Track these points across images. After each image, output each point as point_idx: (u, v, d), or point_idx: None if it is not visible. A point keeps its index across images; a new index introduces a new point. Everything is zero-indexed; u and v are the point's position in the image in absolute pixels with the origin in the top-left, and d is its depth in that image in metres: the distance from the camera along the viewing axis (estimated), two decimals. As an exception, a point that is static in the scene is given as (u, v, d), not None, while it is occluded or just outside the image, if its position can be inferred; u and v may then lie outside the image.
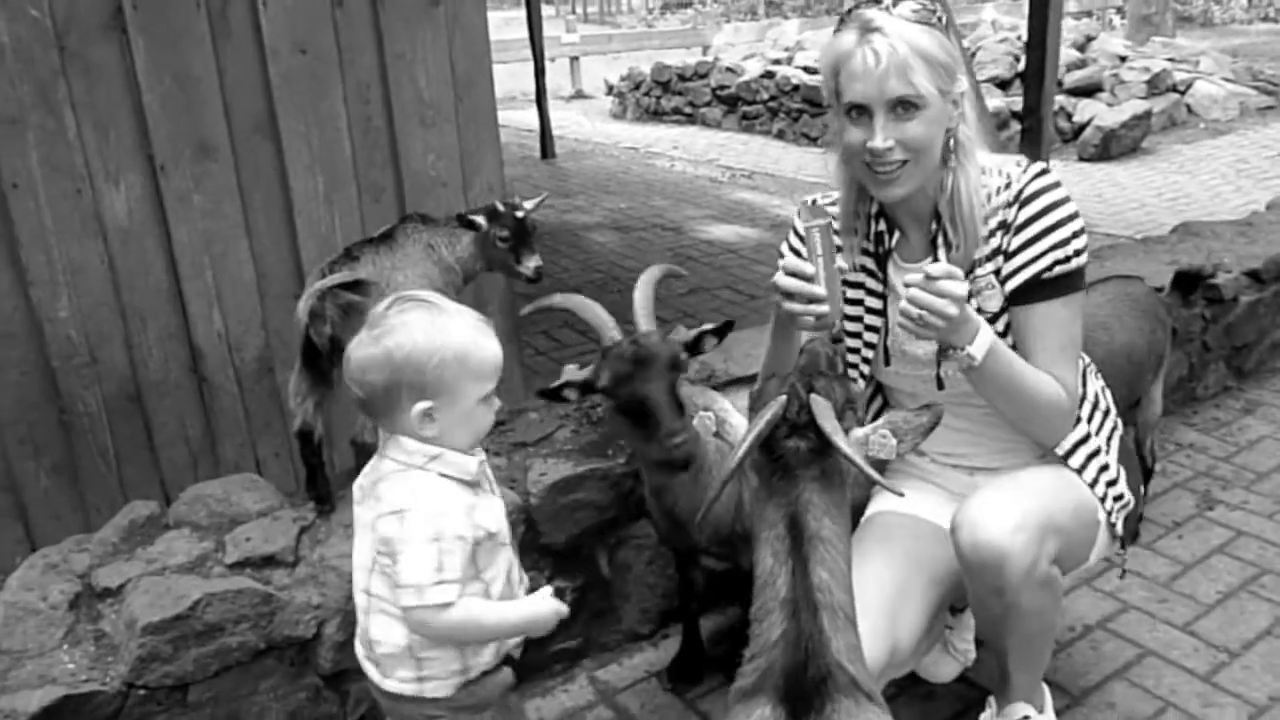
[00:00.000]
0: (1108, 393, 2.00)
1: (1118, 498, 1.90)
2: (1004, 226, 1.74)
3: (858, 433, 1.37)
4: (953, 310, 1.53)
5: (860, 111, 1.63)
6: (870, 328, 1.88)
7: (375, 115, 3.01)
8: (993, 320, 1.73)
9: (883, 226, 1.81)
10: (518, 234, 2.48)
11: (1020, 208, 1.72)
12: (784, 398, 1.36)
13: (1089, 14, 15.78)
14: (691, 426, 1.56)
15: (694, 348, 2.00)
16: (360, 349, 1.43)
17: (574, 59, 13.79)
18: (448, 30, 3.06)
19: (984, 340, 1.60)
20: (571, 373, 1.94)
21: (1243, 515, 2.92)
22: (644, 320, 1.98)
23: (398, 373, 1.40)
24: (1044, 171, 1.75)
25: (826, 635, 1.28)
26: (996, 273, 1.75)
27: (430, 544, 1.40)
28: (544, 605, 1.52)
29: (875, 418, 1.44)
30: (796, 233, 1.94)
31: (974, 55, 9.39)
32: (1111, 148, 8.22)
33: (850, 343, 1.90)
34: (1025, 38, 5.09)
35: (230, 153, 2.82)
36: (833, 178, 1.82)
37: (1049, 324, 1.72)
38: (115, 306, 2.76)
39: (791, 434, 1.35)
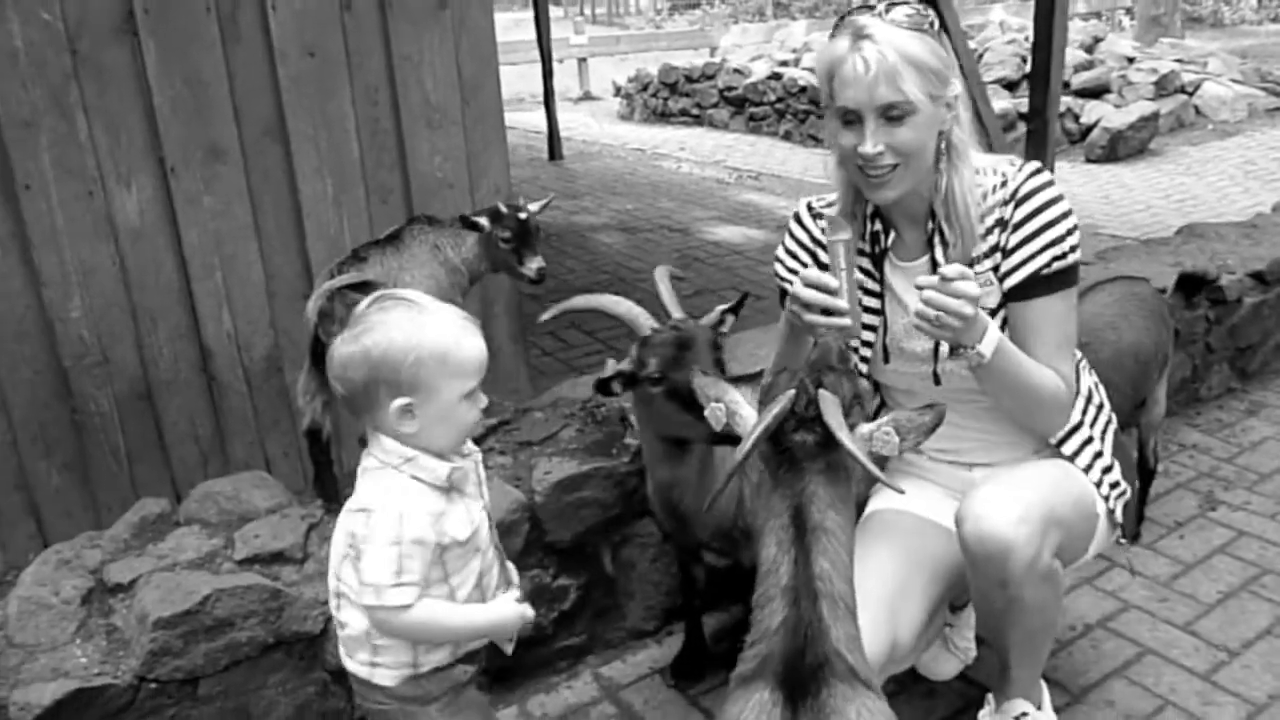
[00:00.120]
0: (1101, 388, 2.02)
1: (1114, 484, 1.92)
2: (1001, 224, 1.77)
3: (863, 429, 1.40)
4: (969, 310, 1.56)
5: (852, 116, 1.66)
6: (868, 326, 1.90)
7: (383, 118, 3.05)
8: (990, 316, 1.76)
9: (878, 226, 1.84)
10: (520, 235, 2.51)
11: (1016, 206, 1.76)
12: (793, 392, 1.38)
13: (1097, 15, 15.75)
14: None
15: (717, 329, 2.02)
16: (341, 346, 1.44)
17: (582, 60, 13.82)
18: (454, 33, 3.09)
19: (992, 337, 1.64)
20: (614, 366, 1.96)
21: (1245, 516, 2.92)
22: (675, 309, 2.01)
23: (375, 370, 1.41)
24: (1038, 170, 1.78)
25: (825, 623, 1.30)
26: (995, 269, 1.78)
27: (391, 547, 1.42)
28: (508, 610, 1.53)
29: (874, 417, 1.46)
30: (793, 235, 1.97)
31: (981, 56, 9.40)
32: (1119, 149, 8.21)
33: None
34: (1031, 39, 5.10)
35: (240, 155, 2.86)
36: (831, 178, 1.85)
37: (1048, 319, 1.76)
38: (126, 307, 2.80)
39: (799, 427, 1.37)
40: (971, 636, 2.29)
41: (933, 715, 2.22)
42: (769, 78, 10.23)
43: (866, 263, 1.88)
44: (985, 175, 1.78)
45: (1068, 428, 1.88)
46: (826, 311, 1.60)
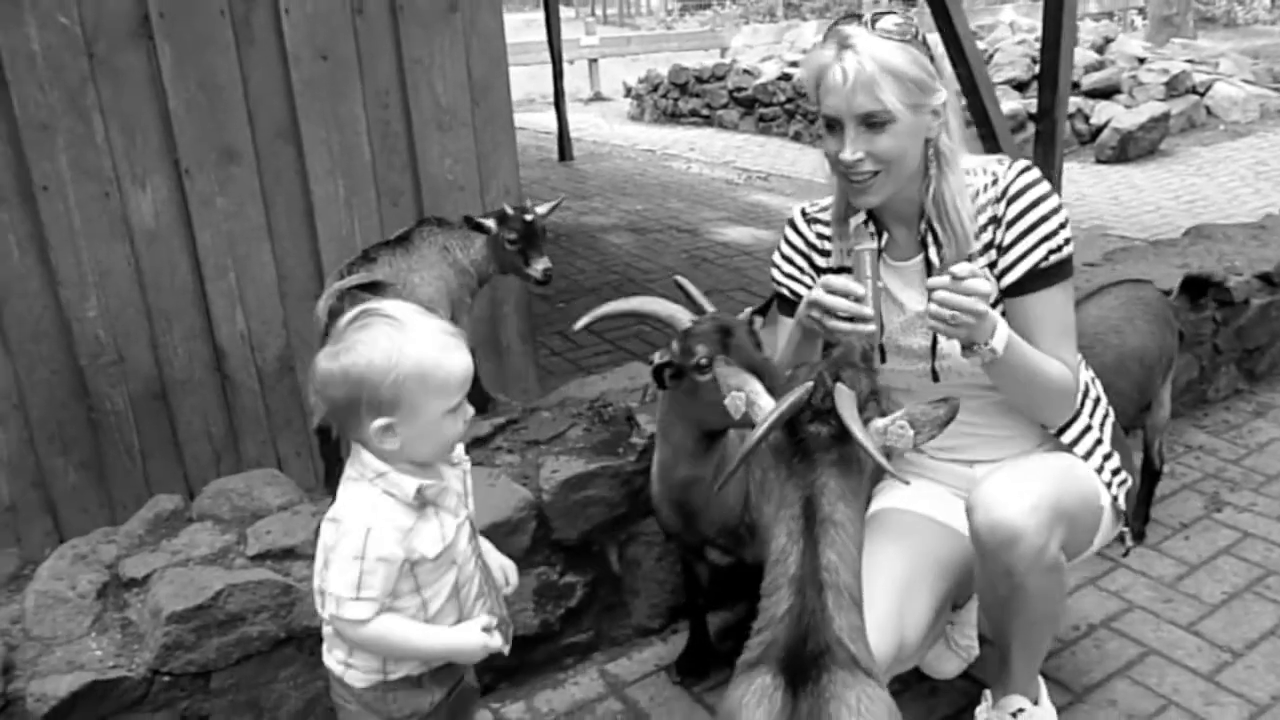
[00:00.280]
0: (1097, 382, 2.05)
1: (1115, 471, 1.95)
2: (995, 221, 1.81)
3: (877, 423, 1.42)
4: (982, 307, 1.60)
5: (834, 124, 1.71)
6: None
7: (394, 120, 3.08)
8: None
9: (871, 228, 1.86)
10: (526, 237, 2.53)
11: (1009, 203, 1.79)
12: (810, 384, 1.42)
13: (1109, 15, 15.68)
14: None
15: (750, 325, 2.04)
16: (322, 363, 1.43)
17: (592, 61, 13.85)
18: (465, 36, 3.12)
19: (1003, 333, 1.67)
20: (659, 357, 1.97)
21: (1250, 517, 2.93)
22: (707, 305, 2.03)
23: (356, 389, 1.40)
24: (1028, 168, 1.82)
25: (829, 613, 1.33)
26: (991, 266, 1.81)
27: (354, 561, 1.42)
28: (470, 638, 1.51)
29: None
30: (788, 241, 2.01)
31: (991, 57, 9.38)
32: (1129, 150, 8.18)
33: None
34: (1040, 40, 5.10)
35: (253, 157, 2.90)
36: (828, 182, 1.88)
37: (1048, 311, 1.80)
38: (141, 307, 2.85)
39: (814, 419, 1.40)
40: (973, 635, 2.31)
41: (935, 714, 2.23)
42: (779, 78, 10.23)
43: None
44: (975, 175, 1.82)
45: (1068, 421, 1.90)
46: (850, 318, 1.63)
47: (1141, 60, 9.54)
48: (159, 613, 1.90)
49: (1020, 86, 9.06)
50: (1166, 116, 8.48)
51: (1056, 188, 4.64)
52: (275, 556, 2.08)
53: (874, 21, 1.67)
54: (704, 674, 2.37)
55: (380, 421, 1.42)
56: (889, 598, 1.73)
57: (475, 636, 1.51)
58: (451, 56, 3.11)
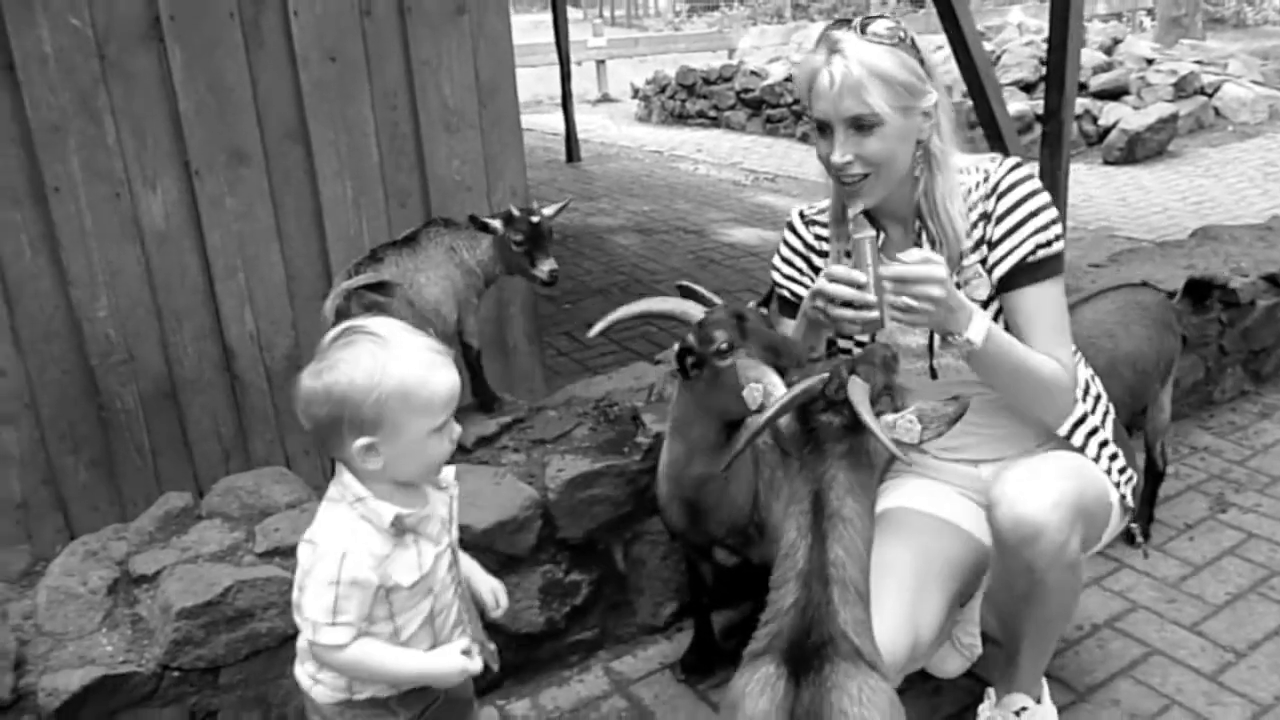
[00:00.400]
0: (1097, 380, 2.05)
1: (1121, 469, 1.96)
2: (985, 217, 1.82)
3: (887, 417, 1.44)
4: (936, 291, 1.59)
5: (824, 127, 1.74)
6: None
7: (402, 121, 3.10)
8: (983, 308, 1.79)
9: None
10: (532, 238, 2.54)
11: (999, 199, 1.81)
12: (826, 374, 1.44)
13: (1118, 16, 15.64)
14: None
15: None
16: (305, 380, 1.41)
17: (600, 62, 13.89)
18: (472, 38, 3.14)
19: (980, 324, 1.66)
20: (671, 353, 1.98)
21: (1255, 518, 2.92)
22: (716, 300, 2.04)
23: (338, 408, 1.38)
24: (1019, 165, 1.84)
25: (834, 606, 1.35)
26: (982, 262, 1.83)
27: (329, 586, 1.41)
28: (449, 661, 1.49)
29: None
30: (787, 242, 2.03)
31: (999, 59, 9.37)
32: (1137, 151, 8.16)
33: (841, 343, 1.97)
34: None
35: (262, 158, 2.92)
36: (823, 179, 1.90)
37: (1039, 306, 1.80)
38: (151, 307, 2.87)
39: (827, 409, 1.43)
40: (976, 633, 2.31)
41: (938, 713, 2.24)
42: (786, 80, 10.24)
43: None
44: (967, 174, 1.84)
45: (1073, 419, 1.90)
46: (852, 306, 1.64)
47: (1150, 61, 9.53)
48: (169, 609, 1.92)
49: (1028, 88, 9.05)
50: (1174, 118, 8.47)
51: (1063, 189, 4.65)
52: (283, 553, 2.10)
53: (863, 26, 1.70)
54: (708, 672, 2.38)
55: (362, 441, 1.40)
56: (902, 597, 1.74)
57: (454, 660, 1.50)
58: (459, 58, 3.13)
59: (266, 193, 2.95)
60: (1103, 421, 1.98)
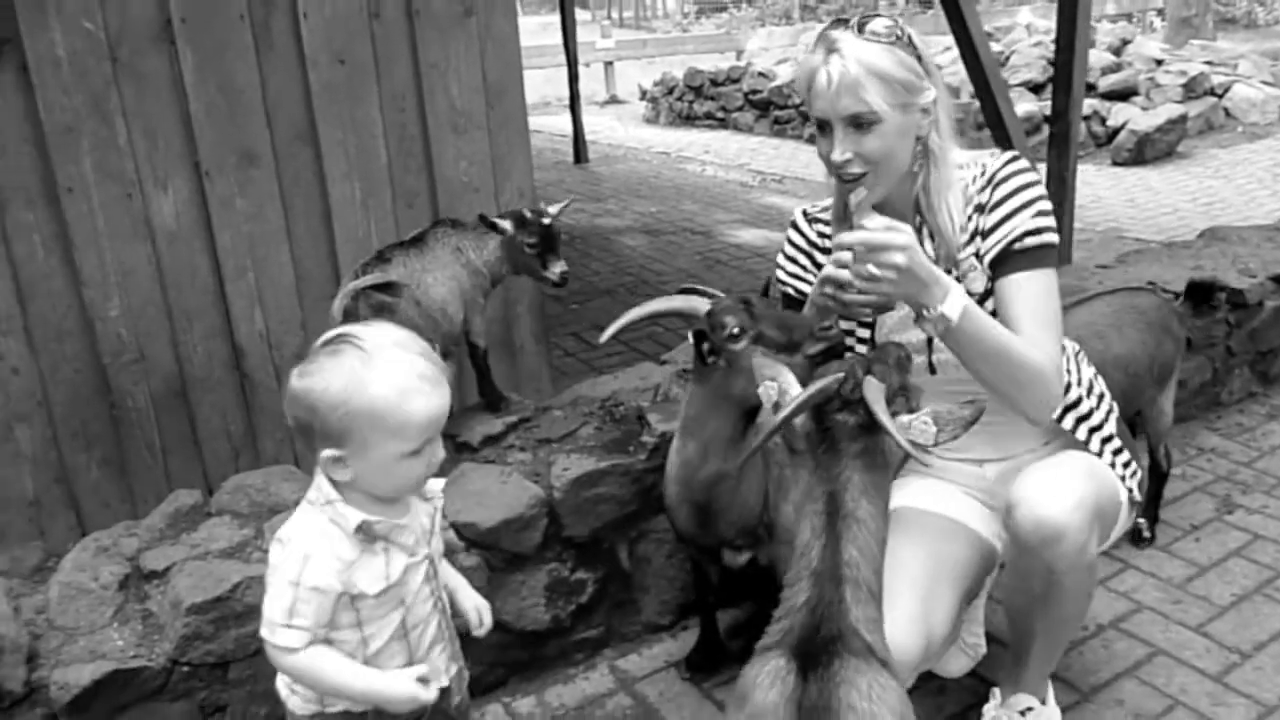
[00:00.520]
0: (1100, 379, 2.05)
1: (1125, 463, 1.96)
2: (979, 209, 1.83)
3: (902, 418, 1.45)
4: (899, 259, 1.55)
5: (824, 126, 1.75)
6: (864, 323, 1.96)
7: (410, 123, 3.12)
8: (981, 302, 1.77)
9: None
10: (545, 240, 2.56)
11: (993, 189, 1.81)
12: (841, 374, 1.45)
13: (1128, 17, 15.58)
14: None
15: None
16: (292, 379, 1.40)
17: (608, 64, 13.91)
18: (480, 40, 3.16)
19: (956, 301, 1.62)
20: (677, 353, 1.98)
21: (1261, 519, 2.92)
22: (720, 294, 2.05)
23: (310, 415, 1.37)
24: (1016, 158, 1.84)
25: (846, 604, 1.36)
26: (977, 254, 1.83)
27: (289, 586, 1.39)
28: (400, 687, 1.43)
29: None
30: (791, 241, 2.04)
31: (1007, 59, 9.35)
32: (1146, 152, 8.14)
33: (846, 339, 1.98)
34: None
35: (272, 160, 2.94)
36: (826, 181, 1.91)
37: (1025, 293, 1.76)
38: (162, 306, 2.90)
39: (843, 408, 1.44)
40: (981, 633, 2.32)
41: (943, 712, 2.25)
42: (794, 81, 10.24)
43: None
44: (967, 169, 1.85)
45: (1077, 415, 1.90)
46: (863, 292, 1.64)
47: (1159, 62, 9.49)
48: (179, 604, 1.95)
49: (1036, 89, 9.03)
50: (1184, 118, 8.43)
51: (1071, 190, 4.64)
52: (292, 550, 2.12)
53: (861, 26, 1.71)
54: (713, 670, 2.39)
55: (330, 452, 1.39)
56: (913, 597, 1.74)
57: (406, 686, 1.44)
58: (467, 60, 3.15)
59: (276, 194, 2.97)
60: (1106, 417, 1.98)
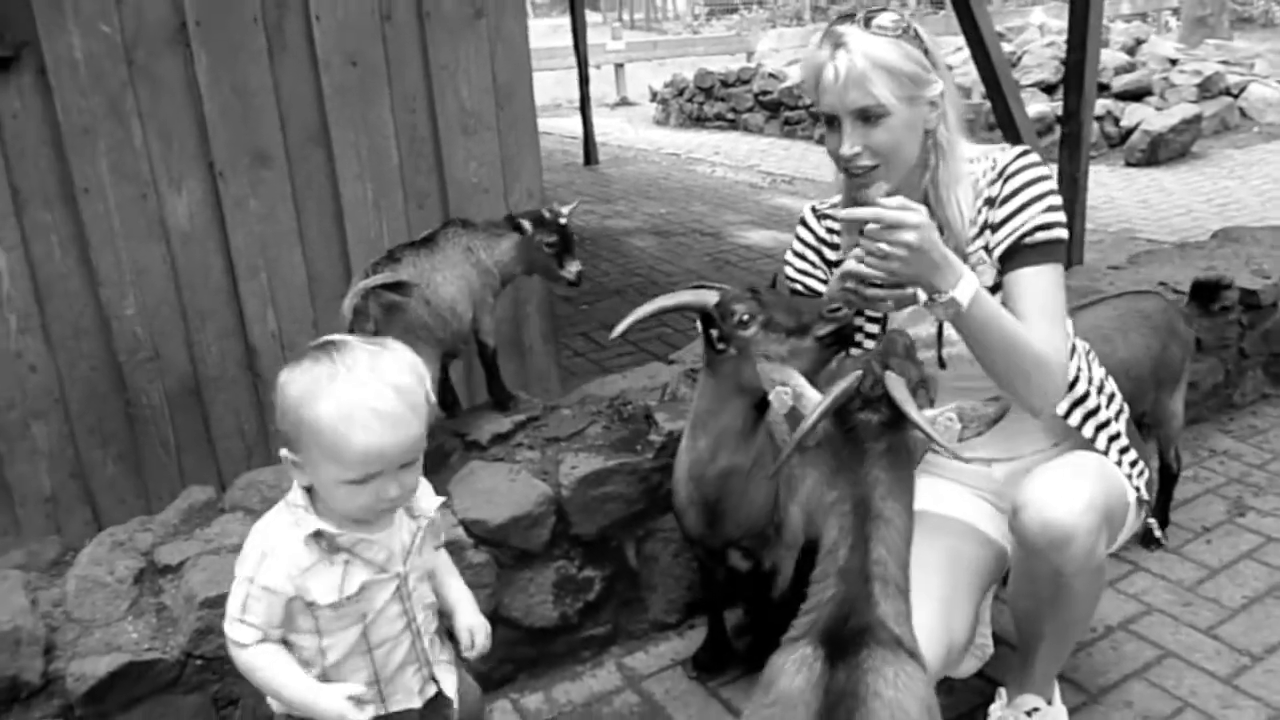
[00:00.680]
0: (1111, 380, 2.05)
1: (1133, 462, 1.95)
2: (989, 202, 1.83)
3: (926, 413, 1.44)
4: (911, 237, 1.56)
5: (832, 120, 1.76)
6: (872, 318, 1.96)
7: (420, 124, 3.15)
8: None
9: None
10: (563, 239, 2.59)
11: (1004, 183, 1.81)
12: (860, 371, 1.44)
13: (1142, 17, 15.49)
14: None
15: None
16: (282, 370, 1.40)
17: (619, 66, 13.94)
18: (490, 42, 3.18)
19: (968, 285, 1.62)
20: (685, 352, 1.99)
21: (1274, 522, 2.90)
22: (725, 288, 2.07)
23: (275, 409, 1.37)
24: (1026, 152, 1.84)
25: (875, 599, 1.36)
26: (986, 248, 1.83)
27: (244, 582, 1.40)
28: (328, 703, 1.41)
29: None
30: (800, 237, 2.05)
31: (1019, 59, 9.32)
32: (1159, 152, 8.09)
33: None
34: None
35: (285, 161, 2.97)
36: (834, 179, 1.92)
37: (1032, 288, 1.76)
38: (177, 306, 2.93)
39: (864, 407, 1.42)
40: (988, 633, 2.31)
41: (949, 712, 2.22)
42: (802, 81, 10.22)
43: None
44: (977, 163, 1.85)
45: (1083, 412, 1.90)
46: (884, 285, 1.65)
47: (1174, 61, 9.43)
48: (192, 598, 1.97)
49: (1049, 89, 8.99)
50: (1198, 118, 8.38)
51: (1082, 191, 4.62)
52: (303, 547, 2.14)
53: (867, 20, 1.71)
54: (720, 669, 2.40)
55: (285, 453, 1.38)
56: (934, 609, 1.73)
57: (335, 703, 1.40)
58: (476, 62, 3.17)
59: (289, 194, 3.00)
60: (1116, 416, 1.98)
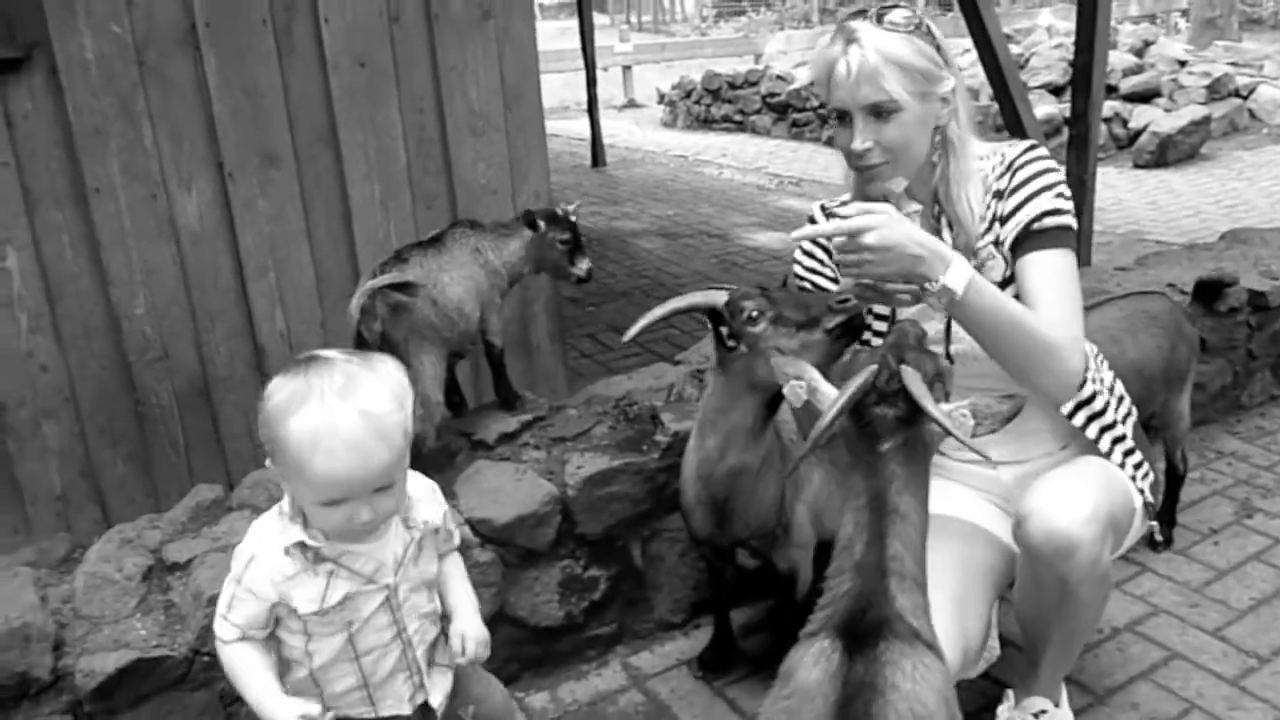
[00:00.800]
0: (1119, 382, 2.04)
1: (1138, 465, 1.94)
2: (998, 195, 1.83)
3: (943, 406, 1.43)
4: (870, 238, 1.56)
5: (843, 116, 1.76)
6: (879, 316, 1.96)
7: (429, 126, 3.16)
8: (1001, 289, 1.73)
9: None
10: (574, 237, 2.61)
11: (1012, 175, 1.81)
12: (875, 366, 1.43)
13: (1151, 18, 15.44)
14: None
15: None
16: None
17: (626, 68, 13.96)
18: (498, 44, 3.19)
19: (960, 272, 1.59)
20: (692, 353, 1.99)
21: (1282, 524, 2.90)
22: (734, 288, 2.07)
23: (259, 416, 1.37)
24: (1034, 146, 1.84)
25: (891, 593, 1.36)
26: (996, 241, 1.82)
27: (232, 582, 1.44)
28: (279, 713, 1.41)
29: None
30: (815, 223, 2.04)
31: (1027, 61, 9.30)
32: (1168, 154, 8.07)
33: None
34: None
35: (293, 161, 2.99)
36: (844, 178, 1.92)
37: (1042, 271, 1.74)
38: (186, 306, 2.95)
39: (880, 401, 1.41)
40: (995, 635, 2.31)
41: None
42: (812, 83, 10.22)
43: None
44: (987, 160, 1.85)
45: (1088, 413, 1.89)
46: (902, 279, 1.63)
47: (1182, 63, 9.41)
48: (200, 595, 1.99)
49: (1057, 91, 8.97)
50: (1207, 120, 8.35)
51: (1090, 193, 4.61)
52: (310, 545, 2.15)
53: (879, 16, 1.72)
54: (726, 669, 2.40)
55: (268, 462, 1.39)
56: (948, 602, 1.72)
57: (285, 715, 1.41)
58: (484, 63, 3.19)
59: (297, 195, 3.02)
60: (1122, 419, 1.97)
